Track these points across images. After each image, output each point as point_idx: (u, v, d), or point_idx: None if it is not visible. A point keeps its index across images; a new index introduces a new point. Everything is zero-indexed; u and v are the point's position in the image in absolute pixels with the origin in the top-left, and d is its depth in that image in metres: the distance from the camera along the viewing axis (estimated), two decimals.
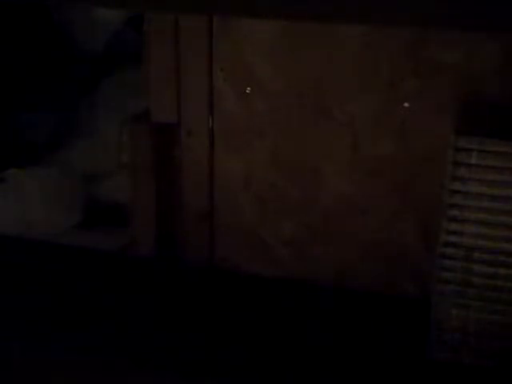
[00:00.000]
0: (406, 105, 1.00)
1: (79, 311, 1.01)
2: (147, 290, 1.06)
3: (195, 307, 1.03)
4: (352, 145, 1.04)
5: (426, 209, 1.01)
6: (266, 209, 1.09)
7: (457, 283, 0.90)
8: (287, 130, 1.05)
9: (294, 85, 1.03)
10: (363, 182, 1.05)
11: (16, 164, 1.18)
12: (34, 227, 1.19)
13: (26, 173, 1.21)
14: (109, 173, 1.19)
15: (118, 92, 1.15)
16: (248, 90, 1.05)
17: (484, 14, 0.74)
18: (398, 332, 0.98)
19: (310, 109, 1.04)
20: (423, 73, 0.98)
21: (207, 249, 1.13)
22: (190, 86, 1.07)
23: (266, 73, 1.04)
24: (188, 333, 0.97)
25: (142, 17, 1.08)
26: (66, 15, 1.14)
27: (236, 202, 1.10)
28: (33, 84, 1.12)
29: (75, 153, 1.20)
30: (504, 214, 0.88)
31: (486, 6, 0.73)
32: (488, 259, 0.89)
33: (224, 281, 1.09)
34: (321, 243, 1.08)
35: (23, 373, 0.95)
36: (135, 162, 1.12)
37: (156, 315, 1.01)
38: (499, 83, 0.96)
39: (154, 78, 1.08)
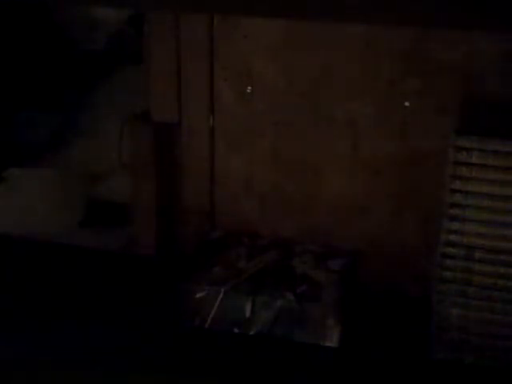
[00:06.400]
0: (407, 104, 1.00)
1: (79, 311, 1.01)
2: (147, 290, 1.06)
3: None
4: (352, 145, 1.04)
5: (426, 208, 1.02)
6: (266, 208, 1.09)
7: (457, 282, 0.91)
8: (287, 130, 1.06)
9: (294, 85, 1.04)
10: (363, 182, 1.05)
11: (16, 164, 1.18)
12: (34, 227, 1.19)
13: (26, 173, 1.21)
14: (109, 173, 1.19)
15: (117, 92, 1.16)
16: (249, 89, 1.05)
17: (484, 14, 0.75)
18: (398, 331, 0.98)
19: (310, 109, 1.04)
20: (423, 73, 0.98)
21: None
22: (190, 85, 1.07)
23: (266, 73, 1.04)
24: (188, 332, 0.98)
25: (142, 16, 1.08)
26: (65, 15, 1.15)
27: (236, 201, 1.10)
28: (33, 84, 1.12)
29: (75, 153, 1.20)
30: (504, 213, 0.88)
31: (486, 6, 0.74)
32: (488, 258, 0.89)
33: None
34: (321, 243, 1.08)
35: (23, 373, 0.94)
36: (135, 161, 1.12)
37: (156, 315, 1.01)
38: (499, 83, 0.96)
39: (155, 77, 1.08)
